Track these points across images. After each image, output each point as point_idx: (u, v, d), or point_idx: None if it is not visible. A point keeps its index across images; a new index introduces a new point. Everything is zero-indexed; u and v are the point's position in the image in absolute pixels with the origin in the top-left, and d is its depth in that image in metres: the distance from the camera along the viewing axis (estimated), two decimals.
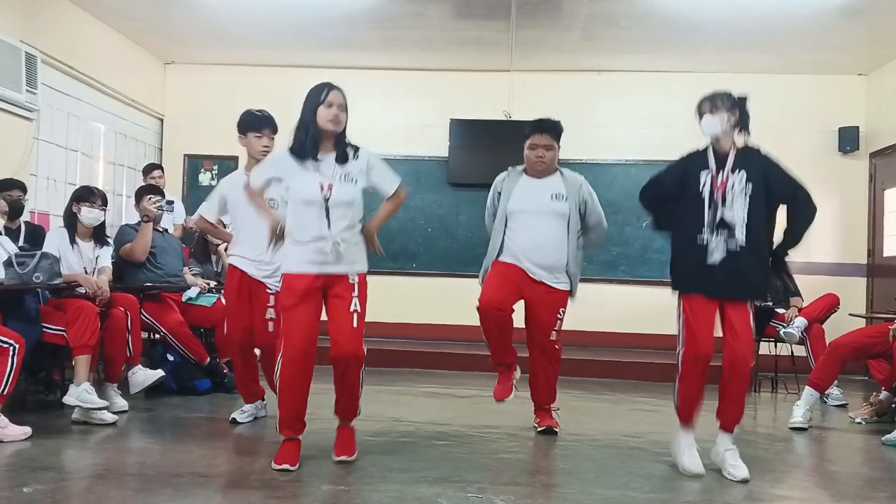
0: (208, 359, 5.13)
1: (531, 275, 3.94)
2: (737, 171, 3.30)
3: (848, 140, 7.44)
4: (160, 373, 4.65)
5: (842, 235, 7.57)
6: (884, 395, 4.88)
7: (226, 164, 7.97)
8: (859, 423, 4.78)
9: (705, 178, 3.32)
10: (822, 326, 5.73)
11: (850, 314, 6.02)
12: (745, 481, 3.23)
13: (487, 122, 7.48)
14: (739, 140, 3.37)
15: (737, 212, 3.25)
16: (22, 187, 4.94)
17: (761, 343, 6.26)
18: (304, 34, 7.00)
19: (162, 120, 7.98)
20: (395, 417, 4.56)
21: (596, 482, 3.24)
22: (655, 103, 7.69)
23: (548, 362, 4.07)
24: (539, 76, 7.53)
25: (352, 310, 3.26)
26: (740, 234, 3.24)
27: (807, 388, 4.64)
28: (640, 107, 7.69)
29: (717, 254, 3.25)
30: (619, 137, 7.63)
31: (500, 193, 4.08)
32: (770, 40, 6.70)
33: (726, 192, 3.27)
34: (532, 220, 3.96)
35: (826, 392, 5.13)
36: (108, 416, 4.01)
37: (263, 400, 4.27)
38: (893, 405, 4.84)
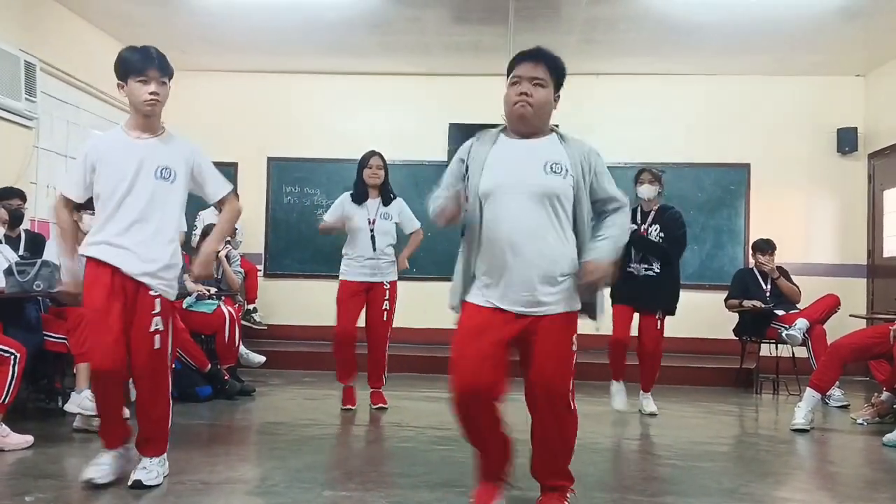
0: (209, 365, 5.14)
1: (515, 307, 2.56)
2: (653, 224, 4.82)
3: (846, 141, 7.45)
4: None
5: (841, 236, 7.57)
6: (885, 395, 4.88)
7: (226, 171, 7.88)
8: (861, 424, 4.78)
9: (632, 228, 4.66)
10: (824, 327, 5.73)
11: (851, 315, 6.02)
12: (651, 415, 4.89)
13: (486, 126, 7.43)
14: (658, 201, 4.91)
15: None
16: (22, 196, 4.95)
17: (762, 345, 6.28)
18: (303, 40, 7.01)
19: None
20: (395, 422, 4.56)
21: (597, 486, 3.23)
22: (654, 106, 7.70)
23: (558, 423, 2.64)
24: None
25: (383, 308, 4.79)
26: (655, 265, 4.78)
27: (808, 389, 4.64)
28: (639, 110, 7.70)
29: (641, 278, 4.77)
30: (617, 141, 7.62)
31: (467, 167, 2.67)
32: (768, 42, 6.71)
33: (646, 237, 4.79)
34: (514, 203, 2.54)
35: (827, 393, 5.12)
36: None
37: (127, 445, 3.10)
38: (895, 406, 4.84)
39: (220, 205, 3.21)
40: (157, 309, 2.93)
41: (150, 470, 3.00)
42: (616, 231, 2.65)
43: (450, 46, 7.05)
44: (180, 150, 3.06)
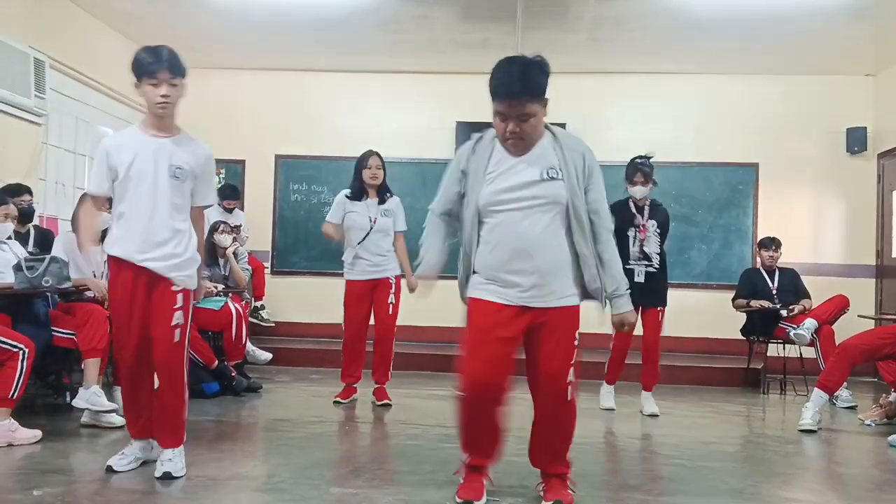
0: (216, 362, 5.15)
1: (521, 302, 2.69)
2: (650, 220, 4.84)
3: (856, 141, 7.42)
4: None
5: (850, 237, 7.54)
6: (893, 396, 4.86)
7: (232, 168, 8.00)
8: (869, 425, 4.76)
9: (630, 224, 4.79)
10: (832, 328, 5.71)
11: (859, 315, 5.99)
12: (651, 415, 4.81)
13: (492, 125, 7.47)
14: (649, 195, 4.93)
15: (652, 247, 4.77)
16: (31, 192, 4.97)
17: (769, 344, 6.26)
18: (311, 38, 7.02)
19: None
20: (402, 420, 4.56)
21: (604, 485, 3.23)
22: (662, 105, 7.68)
23: (556, 412, 2.80)
24: None
25: (389, 301, 4.81)
26: (655, 261, 4.78)
27: (816, 389, 4.62)
28: (647, 108, 7.68)
29: (640, 276, 4.72)
30: (625, 139, 7.58)
31: (464, 174, 2.79)
32: (776, 42, 6.68)
33: (646, 234, 4.79)
34: (513, 217, 2.67)
35: (835, 394, 5.11)
36: (117, 419, 4.01)
37: (151, 440, 3.22)
38: None
39: (196, 211, 3.20)
40: (179, 304, 3.04)
41: (176, 462, 3.07)
42: (618, 273, 2.78)
43: (458, 44, 7.05)
44: (195, 153, 3.13)
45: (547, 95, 2.64)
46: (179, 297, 3.04)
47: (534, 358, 2.75)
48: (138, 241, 3.00)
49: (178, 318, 3.03)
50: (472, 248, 2.74)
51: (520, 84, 2.57)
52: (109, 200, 3.22)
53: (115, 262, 3.06)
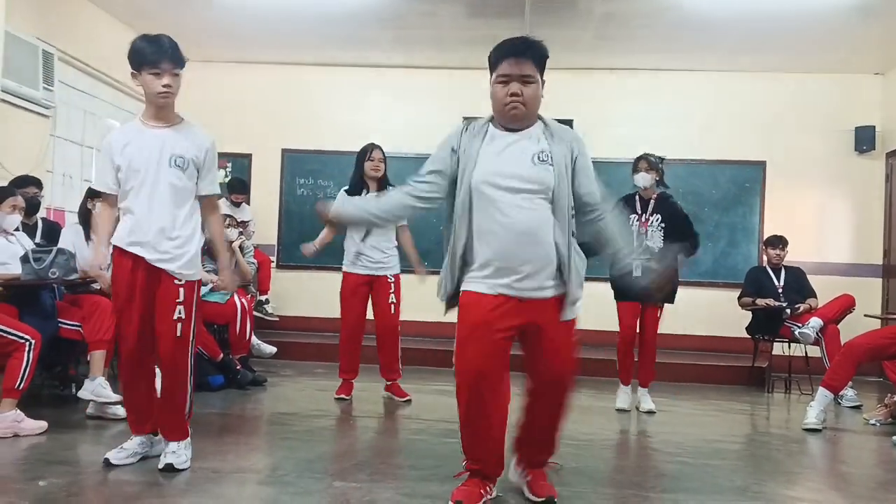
0: (221, 355, 5.17)
1: (518, 294, 2.61)
2: (654, 213, 4.71)
3: (864, 140, 7.38)
4: None
5: (857, 236, 7.51)
6: None
7: (239, 162, 8.02)
8: (873, 424, 4.75)
9: (633, 218, 4.69)
10: (838, 327, 5.69)
11: (866, 315, 5.98)
12: (648, 412, 4.79)
13: None
14: (657, 189, 4.81)
15: (655, 241, 4.64)
16: (38, 184, 4.99)
17: (775, 343, 6.24)
18: (317, 33, 7.02)
19: None
20: (405, 415, 4.57)
21: (608, 482, 3.24)
22: (669, 102, 7.65)
23: (553, 403, 2.76)
24: (552, 75, 7.39)
25: (390, 301, 4.75)
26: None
27: (821, 388, 4.61)
28: (654, 106, 7.66)
29: (638, 271, 4.39)
30: (631, 136, 7.58)
31: (454, 152, 2.74)
32: (785, 39, 6.66)
33: (648, 228, 4.67)
34: (507, 198, 2.59)
35: (840, 393, 5.10)
36: (123, 411, 4.02)
37: (155, 434, 3.22)
38: None
39: (204, 200, 3.16)
40: (181, 297, 3.01)
41: (179, 454, 3.07)
42: (628, 240, 2.87)
43: (464, 40, 7.04)
44: (197, 141, 3.09)
45: (545, 79, 2.69)
46: (181, 290, 3.01)
47: (535, 357, 2.70)
48: (139, 234, 2.98)
49: (179, 312, 3.00)
50: (464, 234, 2.65)
51: (524, 45, 2.64)
52: None
53: (117, 251, 3.04)
